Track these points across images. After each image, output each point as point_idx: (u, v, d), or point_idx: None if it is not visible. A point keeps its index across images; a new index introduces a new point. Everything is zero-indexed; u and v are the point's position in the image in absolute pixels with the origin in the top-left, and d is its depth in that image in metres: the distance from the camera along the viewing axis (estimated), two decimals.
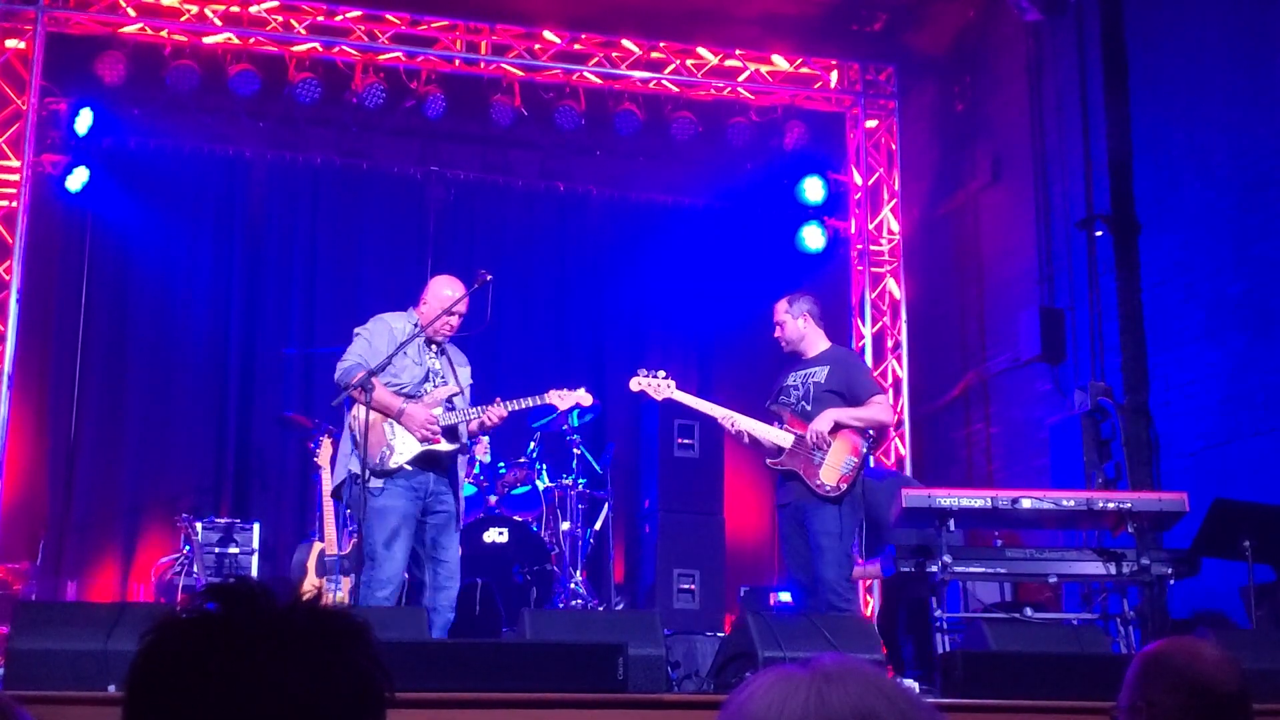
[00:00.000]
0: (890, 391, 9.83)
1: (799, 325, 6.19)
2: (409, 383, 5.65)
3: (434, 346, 5.81)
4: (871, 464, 6.30)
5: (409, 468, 5.55)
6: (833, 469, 5.83)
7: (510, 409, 5.71)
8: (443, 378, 5.80)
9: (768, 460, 6.06)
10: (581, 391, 5.88)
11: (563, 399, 5.83)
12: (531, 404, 5.81)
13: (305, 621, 1.17)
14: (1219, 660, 2.19)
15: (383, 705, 1.19)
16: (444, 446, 5.61)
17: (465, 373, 5.94)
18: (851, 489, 5.85)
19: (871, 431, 6.12)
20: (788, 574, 6.20)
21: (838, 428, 5.91)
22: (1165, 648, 2.26)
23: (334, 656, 1.16)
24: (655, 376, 6.07)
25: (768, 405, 6.21)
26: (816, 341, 6.21)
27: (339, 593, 6.75)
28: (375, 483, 5.46)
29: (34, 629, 4.37)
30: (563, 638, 4.73)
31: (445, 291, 5.82)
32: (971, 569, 6.06)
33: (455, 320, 5.81)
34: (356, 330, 5.81)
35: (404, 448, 5.57)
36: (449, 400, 5.74)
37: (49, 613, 4.76)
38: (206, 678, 1.11)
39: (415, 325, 5.76)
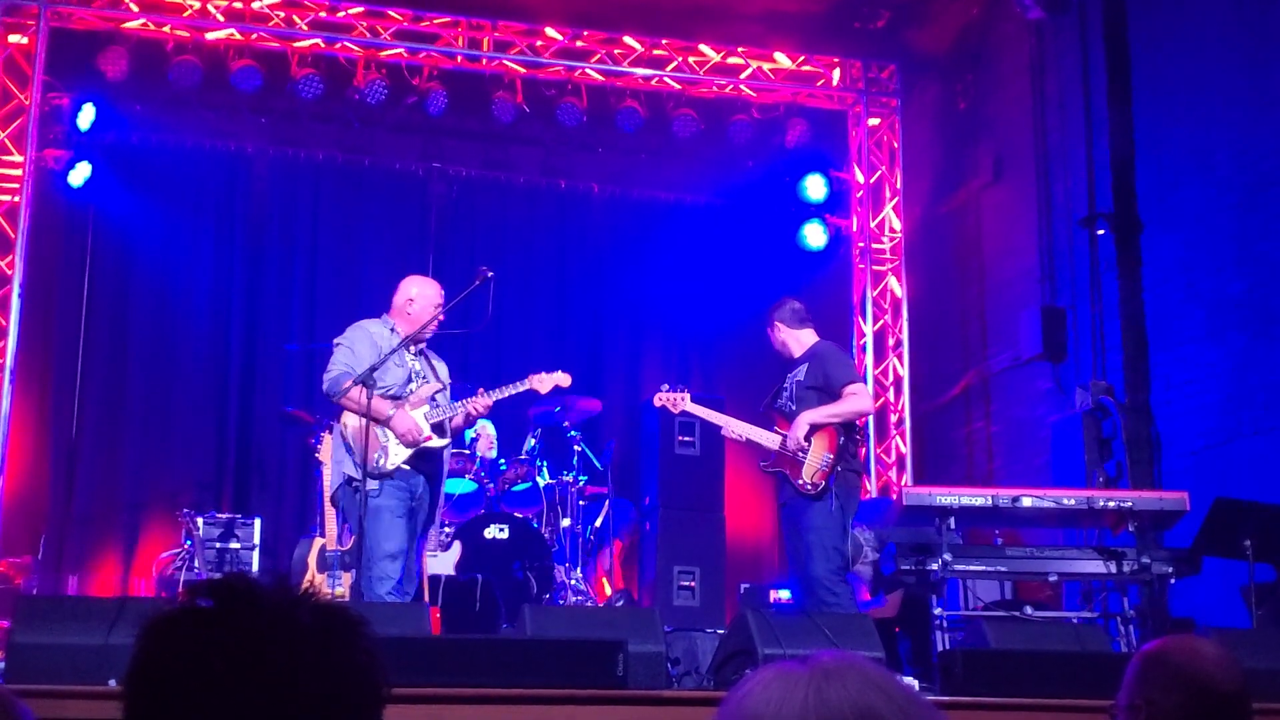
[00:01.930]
0: (892, 389, 9.85)
1: (777, 334, 6.34)
2: (393, 385, 5.72)
3: (414, 348, 5.87)
4: (860, 455, 6.32)
5: (406, 467, 5.64)
6: (811, 466, 5.91)
7: (495, 398, 5.82)
8: (424, 377, 5.89)
9: (760, 463, 6.15)
10: (560, 373, 5.98)
11: (542, 382, 5.94)
12: (513, 391, 5.91)
13: (305, 616, 1.17)
14: (1219, 659, 2.19)
15: (381, 700, 1.19)
16: (434, 443, 5.68)
17: (444, 370, 6.06)
18: (831, 483, 5.88)
19: (859, 423, 6.18)
20: (790, 572, 6.26)
21: (815, 428, 5.96)
22: (1165, 646, 2.26)
23: (333, 651, 1.16)
24: (674, 391, 6.40)
25: (762, 408, 6.31)
26: (800, 342, 6.30)
27: (339, 588, 6.76)
28: (371, 485, 5.51)
29: (35, 623, 4.38)
30: (563, 634, 4.73)
31: (431, 291, 5.94)
32: (972, 567, 6.06)
33: (441, 316, 5.94)
34: (336, 341, 5.85)
35: (397, 449, 5.65)
36: (432, 397, 5.84)
37: (50, 607, 4.77)
38: (209, 674, 1.12)
39: (392, 329, 5.81)
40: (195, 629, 1.14)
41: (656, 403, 6.47)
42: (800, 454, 5.91)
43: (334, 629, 1.17)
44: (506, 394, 5.90)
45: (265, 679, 1.12)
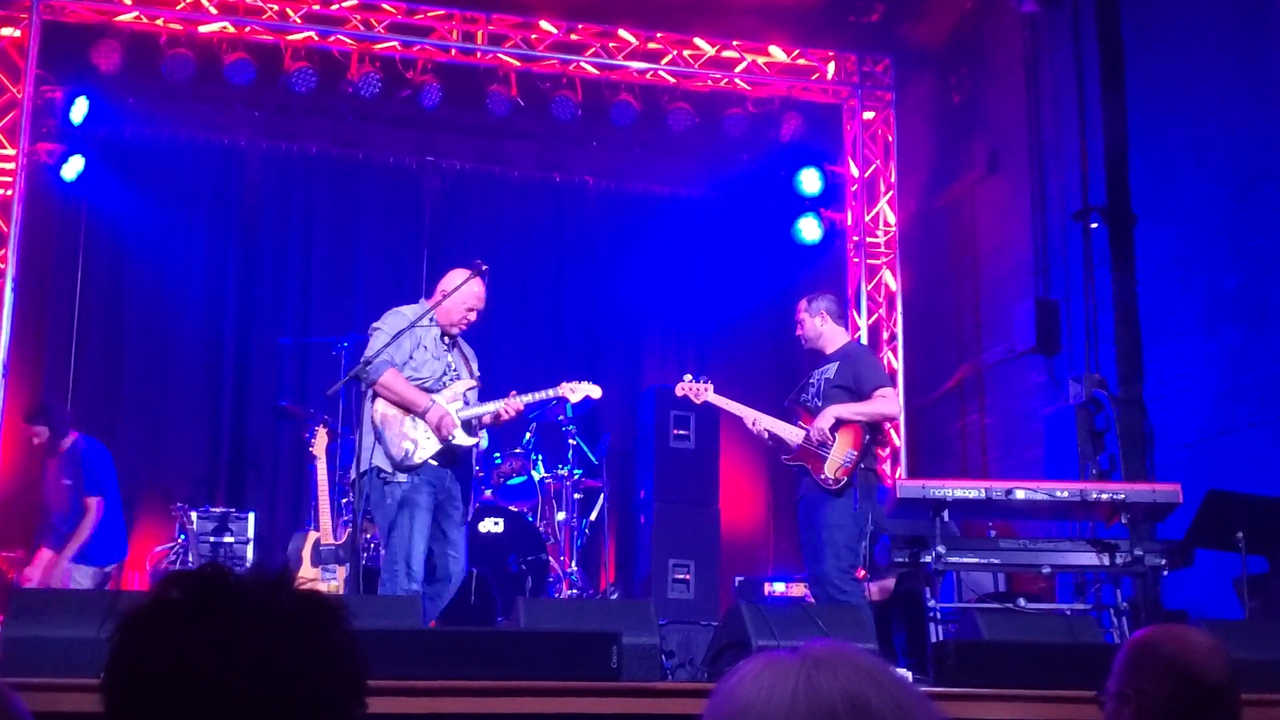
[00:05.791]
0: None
1: (816, 324, 6.33)
2: (429, 377, 5.73)
3: (446, 339, 5.86)
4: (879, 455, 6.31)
5: (434, 463, 5.62)
6: (834, 463, 5.93)
7: (526, 401, 5.85)
8: (457, 372, 5.88)
9: (782, 456, 6.18)
10: (588, 384, 6.10)
11: (574, 391, 6.03)
12: (547, 396, 5.96)
13: (284, 603, 1.17)
14: (1208, 649, 2.20)
15: (362, 687, 1.19)
16: (463, 441, 5.70)
17: (475, 365, 6.03)
18: (854, 480, 5.90)
19: (887, 425, 6.18)
20: (805, 566, 6.28)
21: (840, 423, 5.98)
22: (1154, 636, 2.26)
23: (313, 637, 1.16)
24: (698, 382, 6.34)
25: (786, 403, 6.33)
26: (834, 339, 6.33)
27: (334, 582, 6.76)
28: (399, 477, 5.52)
29: (28, 616, 4.38)
30: (557, 626, 4.73)
31: (474, 288, 5.86)
32: (965, 559, 6.07)
33: (474, 316, 5.90)
34: (375, 326, 5.80)
35: (427, 443, 5.66)
36: (464, 394, 5.83)
37: (43, 600, 4.76)
38: (189, 664, 1.11)
39: (431, 319, 5.78)
40: (173, 620, 1.14)
41: (679, 392, 6.41)
42: (823, 448, 5.92)
43: (313, 616, 1.17)
44: (539, 398, 5.94)
45: (246, 667, 1.12)
